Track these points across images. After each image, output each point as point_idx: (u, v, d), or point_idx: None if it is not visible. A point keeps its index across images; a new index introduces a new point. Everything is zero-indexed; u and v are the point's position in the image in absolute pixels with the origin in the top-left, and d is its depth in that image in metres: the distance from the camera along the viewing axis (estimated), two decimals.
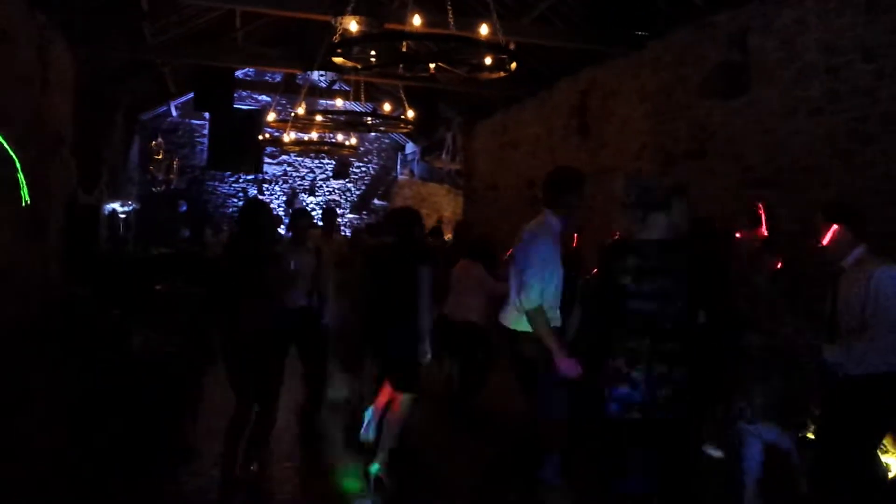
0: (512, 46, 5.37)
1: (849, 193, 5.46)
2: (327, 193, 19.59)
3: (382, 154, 20.07)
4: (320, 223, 8.15)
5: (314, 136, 11.60)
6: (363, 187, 19.98)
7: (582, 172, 4.55)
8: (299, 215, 6.71)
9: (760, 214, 4.53)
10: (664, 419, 3.44)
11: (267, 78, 16.92)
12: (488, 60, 5.43)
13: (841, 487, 3.80)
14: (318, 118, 10.23)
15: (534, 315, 4.20)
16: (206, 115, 17.26)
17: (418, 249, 5.13)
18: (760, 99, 6.54)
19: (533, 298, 4.18)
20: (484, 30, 5.23)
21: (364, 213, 19.70)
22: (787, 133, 6.21)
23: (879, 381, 3.69)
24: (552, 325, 4.28)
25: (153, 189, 17.05)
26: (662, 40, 8.07)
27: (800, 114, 6.09)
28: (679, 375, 3.45)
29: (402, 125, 10.51)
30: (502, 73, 5.71)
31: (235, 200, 18.57)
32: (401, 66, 5.62)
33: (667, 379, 3.42)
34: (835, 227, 3.80)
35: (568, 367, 4.15)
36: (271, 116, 11.30)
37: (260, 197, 18.07)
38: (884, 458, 5.02)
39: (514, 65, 5.57)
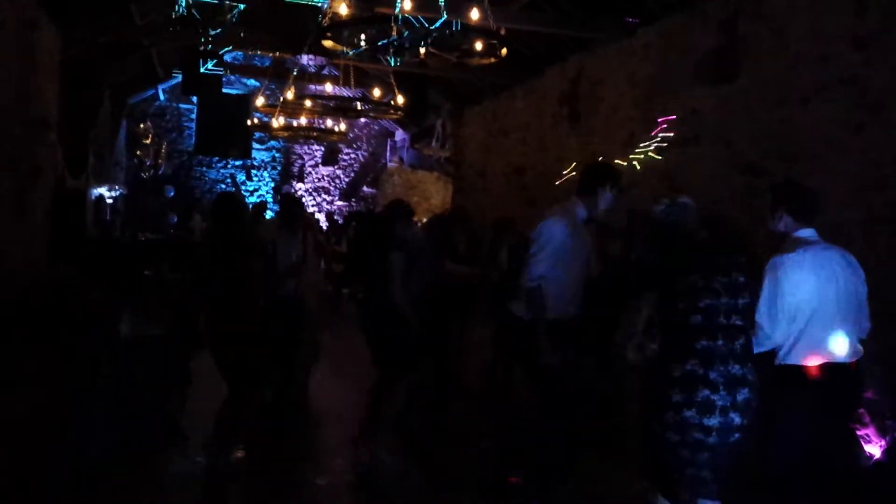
0: (502, 32, 5.34)
1: (837, 181, 5.48)
2: (316, 180, 19.52)
3: (372, 141, 19.99)
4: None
5: (303, 121, 11.55)
6: (352, 174, 19.91)
7: (617, 171, 4.58)
8: (292, 203, 6.68)
9: None
10: (741, 424, 3.32)
11: (256, 62, 16.80)
12: (479, 46, 5.41)
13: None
14: (308, 103, 10.18)
15: (530, 295, 4.21)
16: (194, 99, 17.13)
17: (393, 238, 5.24)
18: (750, 86, 6.54)
19: (532, 278, 4.19)
20: (475, 15, 5.20)
21: (353, 200, 19.64)
22: (776, 121, 6.22)
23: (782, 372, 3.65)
24: (556, 315, 4.28)
25: (141, 174, 16.93)
26: (653, 27, 8.05)
27: (789, 102, 6.10)
28: (752, 375, 3.36)
29: (392, 111, 10.46)
30: (493, 59, 5.69)
31: (223, 186, 18.48)
32: (390, 50, 5.59)
33: (742, 380, 3.31)
34: (779, 213, 3.80)
35: (547, 355, 4.16)
36: (260, 101, 11.23)
37: (231, 189, 18.00)
38: (866, 447, 5.08)
39: (504, 50, 5.55)
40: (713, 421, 3.27)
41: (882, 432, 5.09)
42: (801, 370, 3.62)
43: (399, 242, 5.17)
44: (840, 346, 3.63)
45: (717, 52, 6.97)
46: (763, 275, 3.61)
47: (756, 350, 3.59)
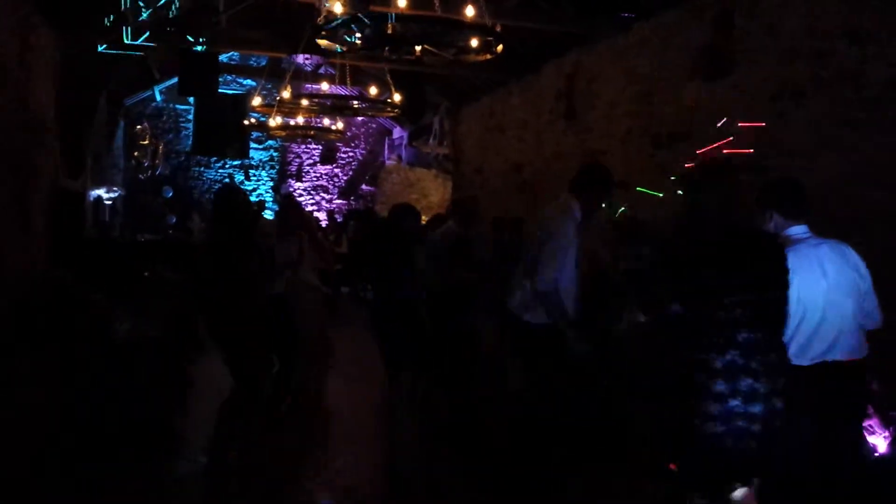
0: (498, 28, 5.33)
1: (832, 177, 5.48)
2: (314, 179, 19.50)
3: (370, 139, 19.96)
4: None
5: (300, 120, 11.52)
6: (350, 172, 19.89)
7: (613, 176, 4.63)
8: (286, 202, 6.72)
9: None
10: (783, 409, 3.32)
11: (251, 62, 16.78)
12: (475, 43, 5.40)
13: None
14: (304, 102, 10.16)
15: (546, 296, 4.21)
16: (191, 99, 17.09)
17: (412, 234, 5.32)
18: (745, 82, 6.54)
19: (547, 280, 4.18)
20: (470, 12, 5.19)
21: (352, 198, 19.63)
22: (771, 116, 6.21)
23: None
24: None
25: (138, 175, 16.92)
26: (648, 22, 8.05)
27: (784, 97, 6.09)
28: (787, 365, 3.39)
29: (389, 109, 10.44)
30: (489, 56, 5.68)
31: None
32: (386, 48, 5.58)
33: (781, 367, 3.34)
34: (768, 211, 3.78)
35: (580, 347, 4.19)
36: (257, 101, 11.20)
37: (233, 183, 17.94)
38: (870, 439, 5.07)
39: (500, 47, 5.53)
40: (757, 408, 3.28)
41: (886, 423, 5.08)
42: (797, 371, 3.60)
43: (419, 238, 5.22)
44: (834, 344, 3.61)
45: (713, 47, 6.96)
46: None
47: None
